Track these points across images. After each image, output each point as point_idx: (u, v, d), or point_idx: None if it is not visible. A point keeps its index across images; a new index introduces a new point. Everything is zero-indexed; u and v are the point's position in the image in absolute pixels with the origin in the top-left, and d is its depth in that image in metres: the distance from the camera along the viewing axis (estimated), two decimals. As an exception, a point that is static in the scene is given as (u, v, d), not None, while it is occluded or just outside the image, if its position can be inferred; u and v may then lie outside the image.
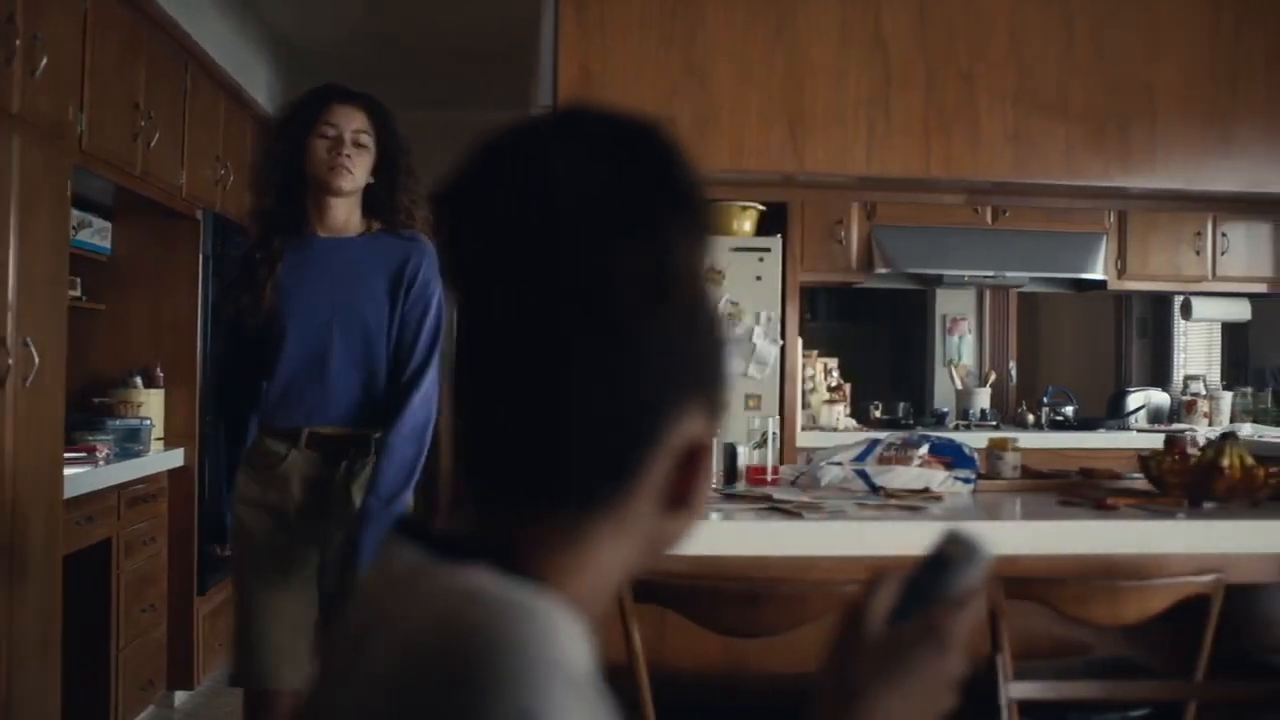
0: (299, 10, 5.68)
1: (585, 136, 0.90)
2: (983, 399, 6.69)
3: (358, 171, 2.95)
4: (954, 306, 7.14)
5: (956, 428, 6.28)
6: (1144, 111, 3.34)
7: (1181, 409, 6.87)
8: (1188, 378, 7.10)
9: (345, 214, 3.00)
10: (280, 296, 2.95)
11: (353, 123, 2.95)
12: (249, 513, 2.96)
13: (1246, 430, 6.49)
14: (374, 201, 3.02)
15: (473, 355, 0.91)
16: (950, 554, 0.98)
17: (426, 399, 2.96)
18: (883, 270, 6.13)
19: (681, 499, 0.90)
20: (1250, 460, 3.05)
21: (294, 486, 2.94)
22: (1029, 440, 6.03)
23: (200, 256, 4.89)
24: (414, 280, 2.97)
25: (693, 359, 0.90)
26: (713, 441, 0.92)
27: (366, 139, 2.96)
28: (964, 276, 6.39)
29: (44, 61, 3.35)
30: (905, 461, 3.24)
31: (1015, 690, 2.45)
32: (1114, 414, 6.68)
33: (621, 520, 0.89)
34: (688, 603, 2.53)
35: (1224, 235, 6.54)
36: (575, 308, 0.85)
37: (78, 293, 4.41)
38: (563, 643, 0.81)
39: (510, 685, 0.77)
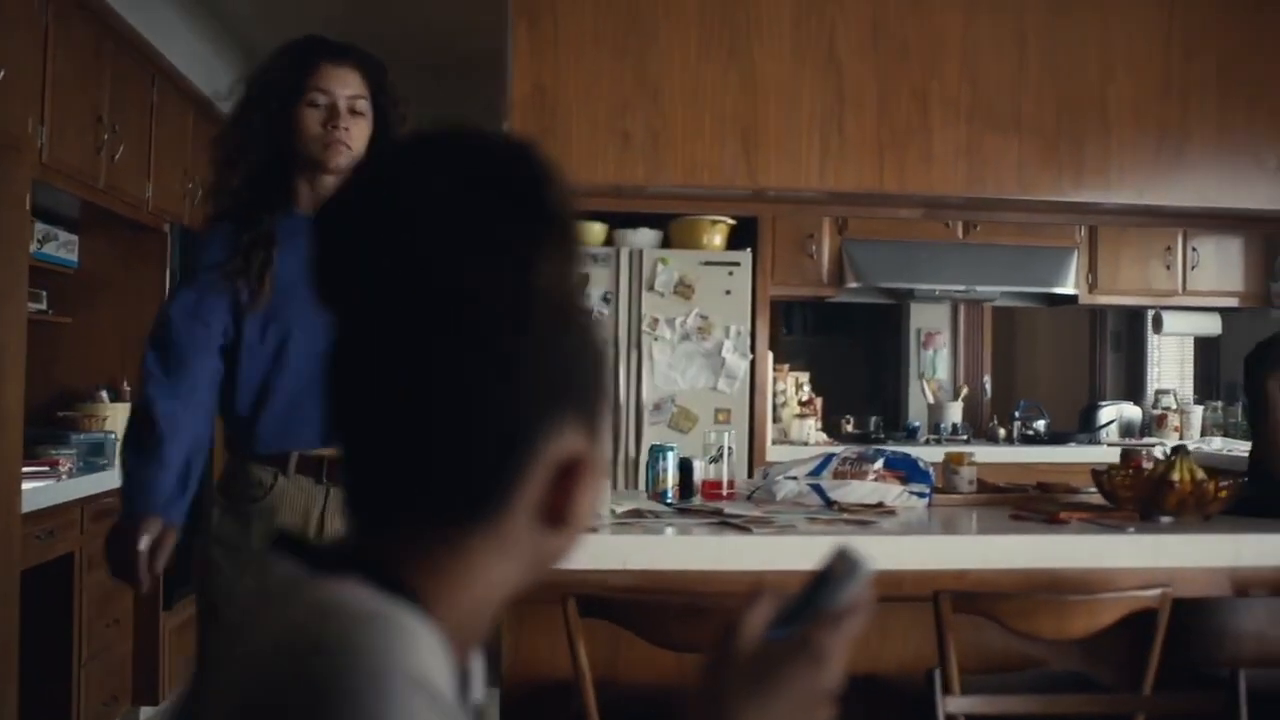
0: (270, 23, 5.67)
1: (452, 158, 0.92)
2: (955, 413, 6.70)
3: (356, 144, 2.53)
4: (929, 320, 7.17)
5: (928, 442, 6.29)
6: (1097, 127, 3.36)
7: (1153, 423, 6.89)
8: (1159, 392, 7.13)
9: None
10: (278, 293, 2.46)
11: (346, 86, 2.54)
12: (225, 555, 2.49)
13: (1217, 444, 6.52)
14: None
15: (346, 370, 0.92)
16: (836, 570, 0.99)
17: None
18: (854, 284, 6.16)
19: (560, 515, 0.91)
20: (1201, 474, 3.06)
21: (282, 519, 2.50)
22: (999, 454, 6.06)
23: (167, 270, 4.89)
24: None
25: (565, 374, 0.91)
26: (593, 456, 0.92)
27: (364, 104, 2.55)
28: (935, 291, 6.42)
29: (1, 74, 3.36)
30: (860, 476, 3.25)
31: (953, 705, 2.46)
32: (1085, 428, 6.71)
33: (499, 536, 0.90)
34: (634, 617, 2.53)
35: (1194, 250, 6.58)
36: (439, 325, 0.88)
37: (43, 306, 4.41)
38: (420, 655, 0.82)
39: (362, 696, 0.78)
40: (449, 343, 0.87)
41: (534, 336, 0.89)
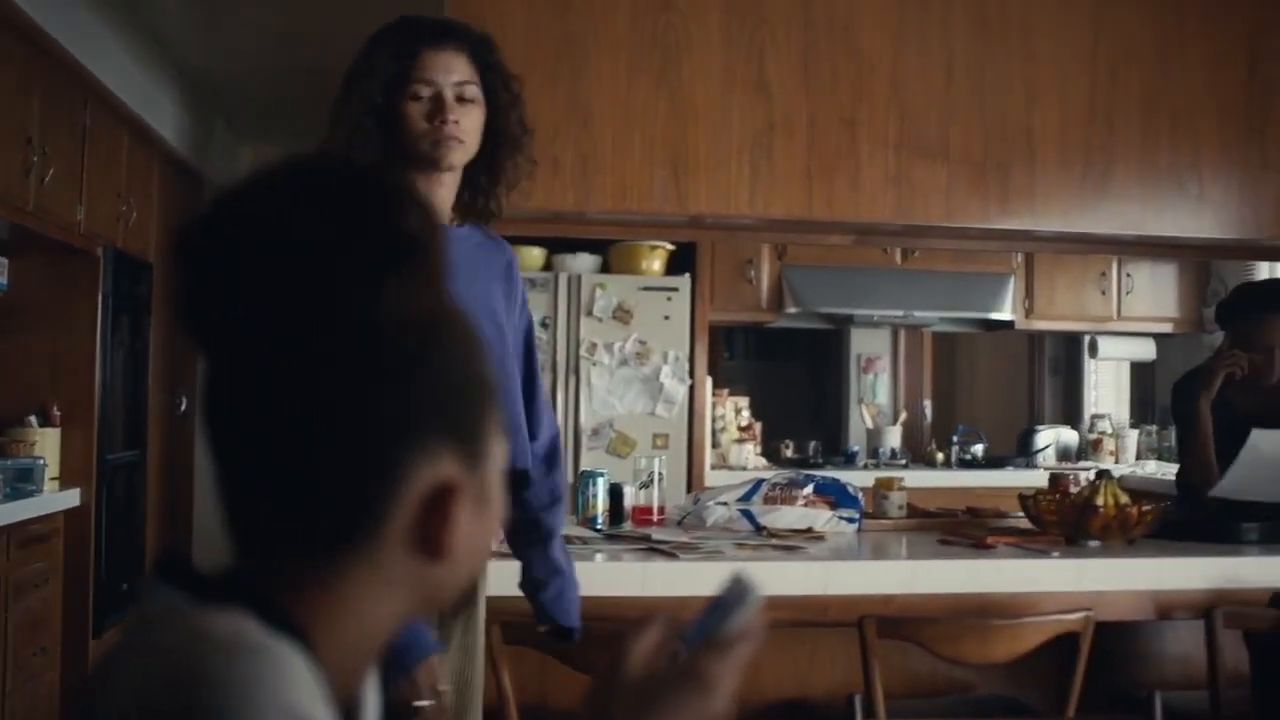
0: (206, 45, 5.66)
1: (306, 188, 0.92)
2: (894, 438, 6.74)
3: (468, 136, 2.22)
4: (869, 346, 7.20)
5: (866, 466, 6.32)
6: (1023, 154, 3.40)
7: (1089, 447, 6.96)
8: (1095, 416, 7.20)
9: (448, 195, 2.28)
10: None
11: (452, 73, 2.22)
12: None
13: (1151, 467, 6.60)
14: (467, 180, 2.31)
15: (212, 398, 0.92)
16: (729, 597, 0.99)
17: (552, 421, 2.47)
18: (793, 310, 6.18)
19: (436, 545, 0.89)
20: (1125, 499, 3.09)
21: None
22: (937, 479, 6.11)
23: (100, 294, 4.84)
24: (518, 287, 2.39)
25: (431, 399, 0.90)
26: (473, 483, 0.91)
27: (473, 90, 2.22)
28: (874, 316, 6.46)
29: (-75, 97, 3.32)
30: (790, 501, 3.26)
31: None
32: (1023, 452, 6.77)
33: (375, 566, 0.89)
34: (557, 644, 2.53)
35: (1129, 276, 6.66)
36: (292, 355, 0.87)
37: (-30, 330, 4.36)
38: (295, 688, 0.81)
39: None
40: (301, 373, 0.87)
41: (388, 363, 0.88)
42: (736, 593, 0.98)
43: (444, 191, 2.24)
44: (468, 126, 2.20)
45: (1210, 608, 2.74)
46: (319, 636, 0.87)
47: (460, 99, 2.20)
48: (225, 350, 0.90)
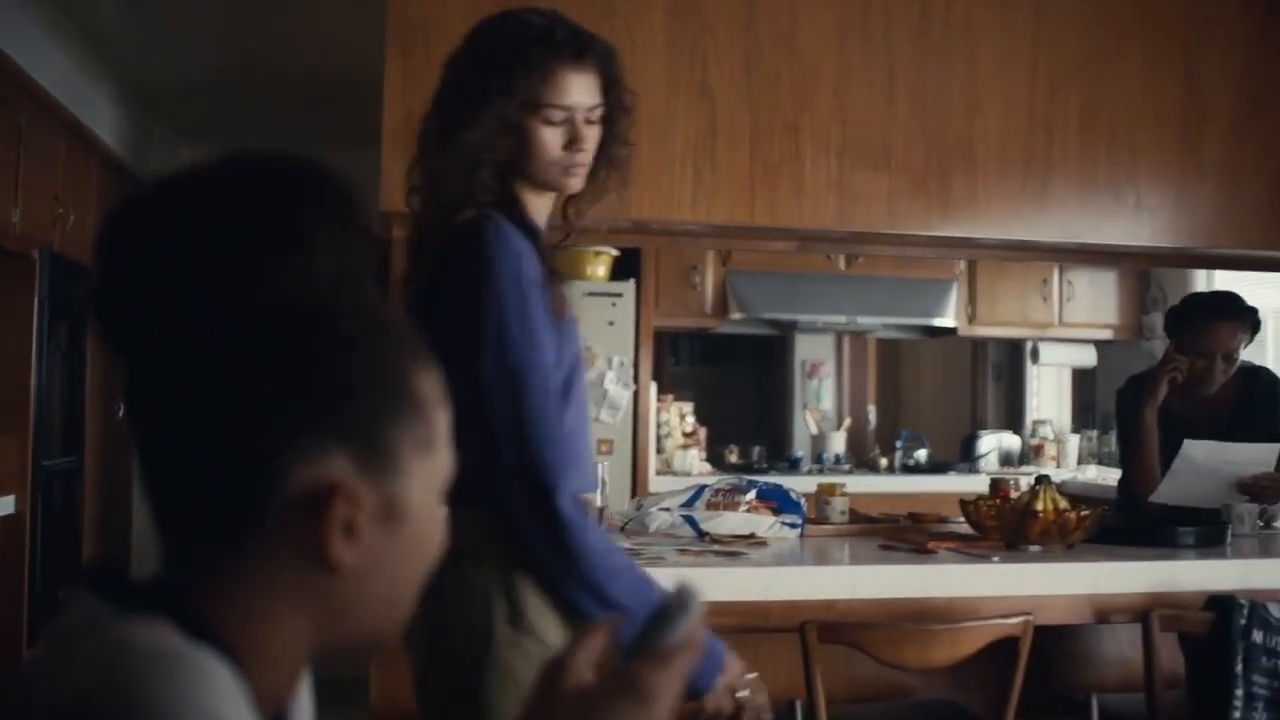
0: (146, 47, 5.59)
1: (214, 179, 0.92)
2: (839, 443, 6.77)
3: (590, 159, 2.14)
4: (814, 351, 7.23)
5: (810, 471, 6.35)
6: (964, 163, 3.43)
7: (1031, 452, 7.03)
8: (1037, 422, 7.27)
9: (549, 207, 2.21)
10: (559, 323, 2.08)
11: (587, 96, 2.09)
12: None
13: (1092, 472, 6.67)
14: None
15: (126, 387, 0.92)
16: (671, 607, 0.98)
17: None
18: (738, 316, 6.20)
19: (323, 554, 0.87)
20: (1064, 504, 3.12)
21: None
22: (881, 484, 6.14)
23: (36, 298, 4.77)
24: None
25: (318, 396, 0.87)
26: (370, 496, 0.88)
27: (599, 112, 2.13)
28: (818, 322, 6.49)
29: None
30: (733, 507, 3.26)
31: (816, 735, 2.47)
32: (966, 457, 6.82)
33: (275, 571, 0.87)
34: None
35: (1069, 283, 6.73)
36: (181, 338, 0.87)
37: (-98, 334, 4.28)
38: (216, 695, 0.80)
39: None
40: (184, 358, 0.87)
41: (264, 352, 0.87)
42: (678, 603, 0.98)
43: (549, 204, 2.18)
44: (591, 149, 2.12)
45: (1147, 611, 2.77)
46: (241, 645, 0.86)
47: (588, 121, 2.11)
48: (122, 337, 0.90)
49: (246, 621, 0.87)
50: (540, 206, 2.15)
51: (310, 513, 0.86)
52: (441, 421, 0.94)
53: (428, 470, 0.92)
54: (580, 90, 2.08)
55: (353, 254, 0.92)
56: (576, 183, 2.13)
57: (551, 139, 2.07)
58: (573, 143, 2.08)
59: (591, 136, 2.10)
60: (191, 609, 0.86)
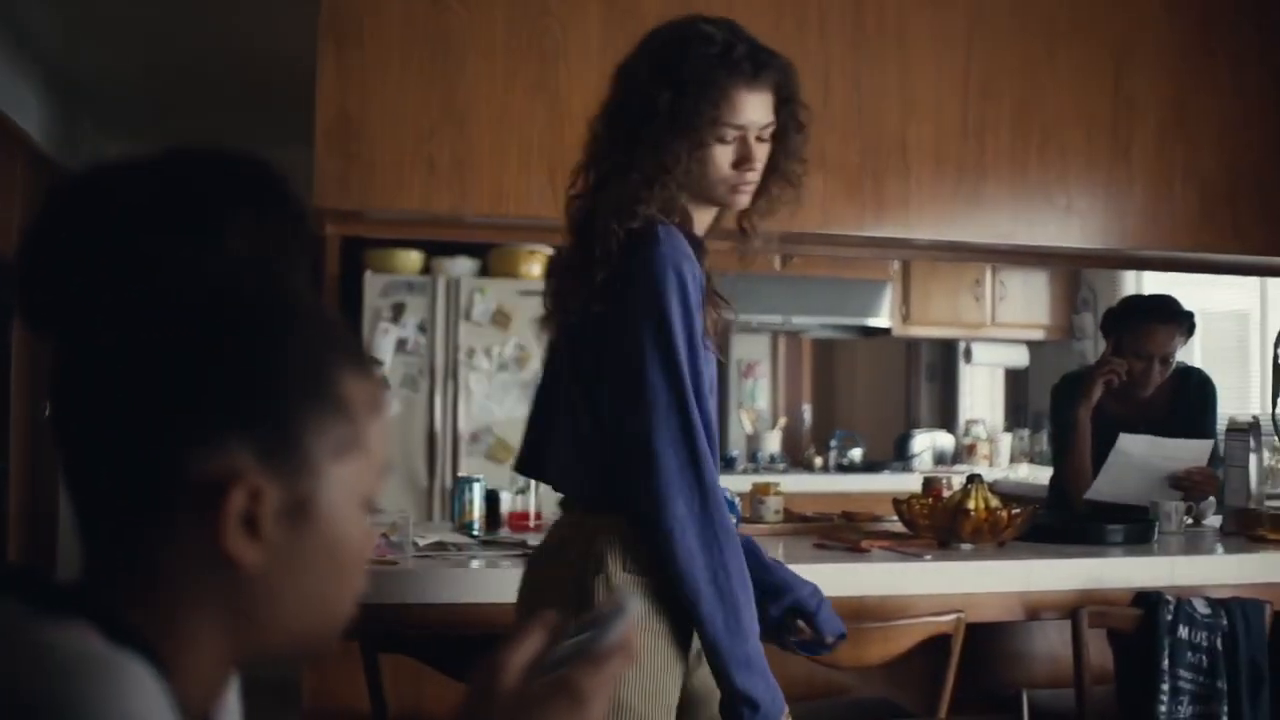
0: (73, 41, 5.50)
1: (130, 172, 0.92)
2: (774, 442, 6.80)
3: (759, 178, 2.16)
4: (749, 351, 7.26)
5: (745, 470, 6.37)
6: (898, 165, 3.46)
7: (964, 451, 7.10)
8: (970, 421, 7.35)
9: (709, 219, 2.24)
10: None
11: (760, 114, 2.10)
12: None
13: (1023, 471, 6.75)
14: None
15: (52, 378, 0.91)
16: (606, 609, 0.98)
17: None
18: (674, 315, 6.19)
19: (225, 549, 0.84)
20: (996, 502, 3.15)
21: None
22: (815, 483, 6.17)
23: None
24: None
25: (220, 386, 0.85)
26: (279, 493, 0.85)
27: (770, 130, 2.13)
28: (753, 322, 6.51)
29: None
30: (668, 506, 3.25)
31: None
32: (900, 456, 6.87)
33: (185, 567, 0.85)
34: (435, 652, 2.50)
35: (1002, 284, 6.81)
36: (87, 333, 0.86)
37: None
38: (137, 701, 0.79)
39: None
40: (89, 354, 0.86)
41: (160, 337, 0.85)
42: (613, 606, 0.98)
43: (710, 218, 2.22)
44: (760, 167, 2.13)
45: (1076, 608, 2.80)
46: (162, 648, 0.85)
47: (759, 139, 2.11)
48: (44, 327, 0.89)
49: (166, 623, 0.86)
50: (703, 220, 2.19)
51: (210, 506, 0.84)
52: (371, 428, 0.91)
53: (349, 474, 0.89)
54: (754, 108, 2.08)
55: (275, 245, 0.91)
56: (743, 199, 2.14)
57: (723, 157, 2.08)
58: (743, 161, 2.08)
59: (762, 154, 2.11)
60: (114, 611, 0.84)
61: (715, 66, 2.05)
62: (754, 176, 2.12)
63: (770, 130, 2.12)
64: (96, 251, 0.87)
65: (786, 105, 2.15)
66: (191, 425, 0.84)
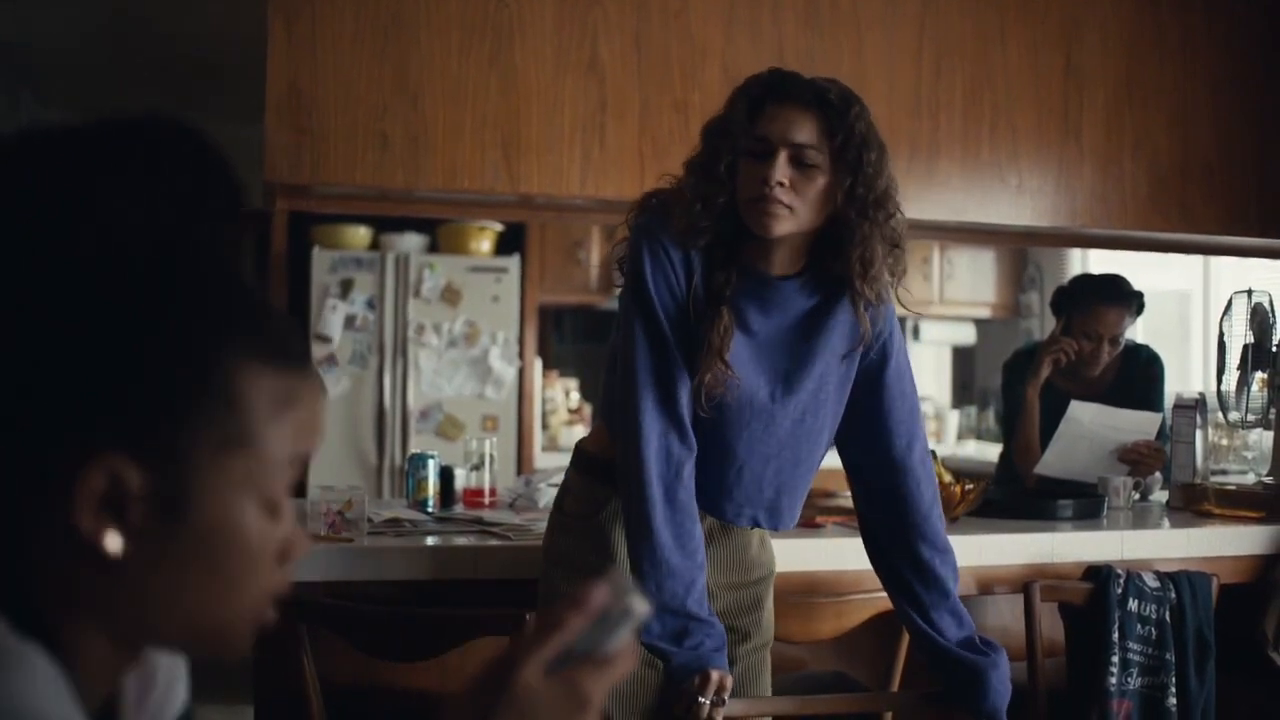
0: (9, 10, 5.40)
1: (28, 139, 0.90)
2: (723, 419, 6.81)
3: (800, 206, 2.01)
4: (698, 328, 7.26)
5: (696, 448, 6.37)
6: (851, 143, 3.46)
7: (911, 428, 7.14)
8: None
9: (786, 259, 2.13)
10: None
11: (793, 132, 2.01)
12: (565, 576, 2.32)
13: (971, 448, 6.81)
14: (819, 243, 2.11)
15: None
16: (615, 611, 0.95)
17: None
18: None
19: (88, 542, 0.81)
20: (949, 478, 3.17)
21: (617, 538, 2.31)
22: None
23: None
24: (861, 347, 2.32)
25: (85, 371, 0.81)
26: (131, 473, 0.81)
27: (816, 156, 2.01)
28: (704, 299, 6.50)
29: None
30: (622, 483, 3.25)
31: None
32: (848, 433, 6.90)
33: (67, 559, 0.83)
34: (375, 630, 2.46)
35: (950, 262, 6.85)
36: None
37: None
38: (38, 693, 0.77)
39: None
40: None
41: (35, 327, 0.82)
42: (623, 608, 0.95)
43: (779, 255, 2.10)
44: (802, 195, 2.00)
45: (1028, 582, 2.83)
46: (60, 638, 0.83)
47: (798, 162, 1.99)
48: None
49: (63, 611, 0.83)
50: (762, 255, 2.10)
51: (69, 488, 0.81)
52: (273, 424, 0.86)
53: (235, 471, 0.85)
54: (782, 124, 2.01)
55: (188, 216, 0.88)
56: (774, 225, 2.00)
57: (750, 173, 2.01)
58: (767, 177, 1.98)
59: (799, 178, 2.00)
60: (23, 601, 0.82)
61: (756, 83, 2.10)
62: (778, 194, 1.99)
63: (812, 154, 2.00)
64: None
65: (843, 136, 2.03)
66: (53, 406, 0.81)
